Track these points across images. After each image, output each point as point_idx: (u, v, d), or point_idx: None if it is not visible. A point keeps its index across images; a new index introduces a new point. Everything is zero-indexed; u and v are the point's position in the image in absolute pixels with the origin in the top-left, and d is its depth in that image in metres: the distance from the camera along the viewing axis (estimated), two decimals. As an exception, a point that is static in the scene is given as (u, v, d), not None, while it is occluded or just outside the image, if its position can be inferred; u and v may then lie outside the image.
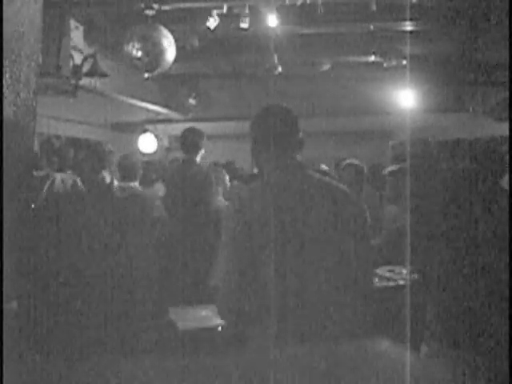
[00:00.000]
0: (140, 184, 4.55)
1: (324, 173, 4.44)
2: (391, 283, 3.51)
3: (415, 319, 2.25)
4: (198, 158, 4.46)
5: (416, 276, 2.86)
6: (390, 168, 4.08)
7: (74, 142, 6.37)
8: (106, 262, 3.48)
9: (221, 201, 5.02)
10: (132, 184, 4.04)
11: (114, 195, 3.67)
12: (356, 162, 4.47)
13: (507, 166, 2.83)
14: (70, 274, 3.32)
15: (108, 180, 3.69)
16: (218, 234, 4.62)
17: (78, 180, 3.54)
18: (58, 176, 3.56)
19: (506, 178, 2.87)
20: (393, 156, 4.32)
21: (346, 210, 2.07)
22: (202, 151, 4.48)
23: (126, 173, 4.43)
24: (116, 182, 3.73)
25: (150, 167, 5.83)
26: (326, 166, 4.73)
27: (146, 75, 4.43)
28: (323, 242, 2.02)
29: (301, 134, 2.13)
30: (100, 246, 3.51)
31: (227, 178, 5.27)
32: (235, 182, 5.07)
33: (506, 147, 2.73)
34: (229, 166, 6.13)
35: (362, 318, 2.07)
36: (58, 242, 3.21)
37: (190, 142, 4.44)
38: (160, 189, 4.74)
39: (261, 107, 2.17)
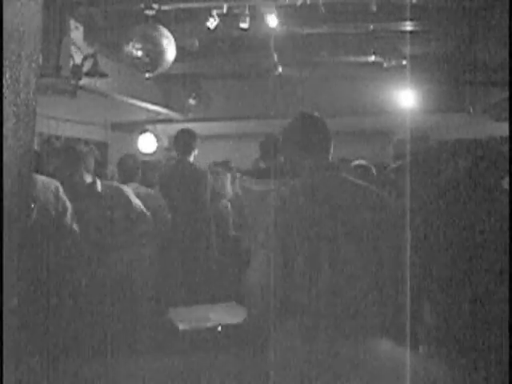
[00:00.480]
0: (141, 184, 4.55)
1: (364, 168, 4.42)
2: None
3: (415, 319, 2.25)
4: (192, 158, 4.55)
5: (416, 275, 2.85)
6: (392, 166, 4.08)
7: (74, 142, 6.36)
8: (97, 263, 3.48)
9: (224, 198, 5.04)
10: (115, 183, 4.04)
11: (99, 195, 3.64)
12: (364, 162, 4.46)
13: (508, 166, 2.83)
14: (66, 276, 3.32)
15: (89, 180, 3.64)
16: (218, 230, 4.63)
17: (59, 185, 3.43)
18: (39, 179, 3.35)
19: (507, 179, 2.86)
20: (394, 154, 4.32)
21: (381, 212, 2.19)
22: (196, 151, 4.58)
23: (126, 174, 4.43)
24: (99, 182, 3.69)
25: (151, 167, 5.82)
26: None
27: (147, 75, 4.42)
28: (359, 242, 2.12)
29: (331, 140, 2.30)
30: (89, 246, 3.50)
31: (228, 176, 5.29)
32: (244, 177, 5.12)
33: (506, 147, 2.74)
34: (224, 166, 6.15)
35: (394, 319, 2.14)
36: (48, 245, 3.21)
37: (183, 142, 4.56)
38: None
39: (295, 113, 2.37)
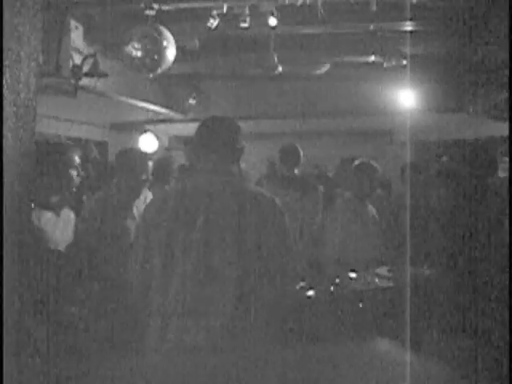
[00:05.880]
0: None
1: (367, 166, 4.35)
2: (391, 283, 3.51)
3: (415, 319, 2.25)
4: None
5: (416, 275, 2.86)
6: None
7: (74, 142, 6.36)
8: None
9: None
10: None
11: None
12: (368, 161, 4.33)
13: (496, 165, 2.85)
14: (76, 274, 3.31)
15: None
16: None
17: None
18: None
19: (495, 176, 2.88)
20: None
21: (267, 218, 2.16)
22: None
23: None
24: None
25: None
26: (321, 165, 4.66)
27: (147, 75, 4.42)
28: (235, 245, 2.10)
29: (241, 144, 2.31)
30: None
31: None
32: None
33: (496, 147, 2.77)
34: None
35: (271, 324, 2.12)
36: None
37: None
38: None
39: (207, 117, 2.38)
